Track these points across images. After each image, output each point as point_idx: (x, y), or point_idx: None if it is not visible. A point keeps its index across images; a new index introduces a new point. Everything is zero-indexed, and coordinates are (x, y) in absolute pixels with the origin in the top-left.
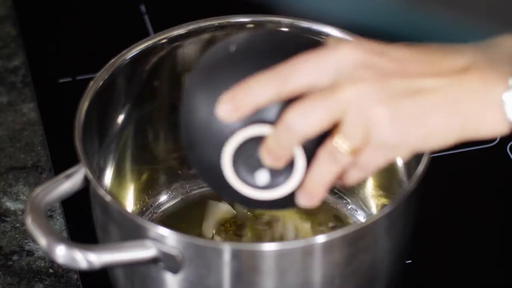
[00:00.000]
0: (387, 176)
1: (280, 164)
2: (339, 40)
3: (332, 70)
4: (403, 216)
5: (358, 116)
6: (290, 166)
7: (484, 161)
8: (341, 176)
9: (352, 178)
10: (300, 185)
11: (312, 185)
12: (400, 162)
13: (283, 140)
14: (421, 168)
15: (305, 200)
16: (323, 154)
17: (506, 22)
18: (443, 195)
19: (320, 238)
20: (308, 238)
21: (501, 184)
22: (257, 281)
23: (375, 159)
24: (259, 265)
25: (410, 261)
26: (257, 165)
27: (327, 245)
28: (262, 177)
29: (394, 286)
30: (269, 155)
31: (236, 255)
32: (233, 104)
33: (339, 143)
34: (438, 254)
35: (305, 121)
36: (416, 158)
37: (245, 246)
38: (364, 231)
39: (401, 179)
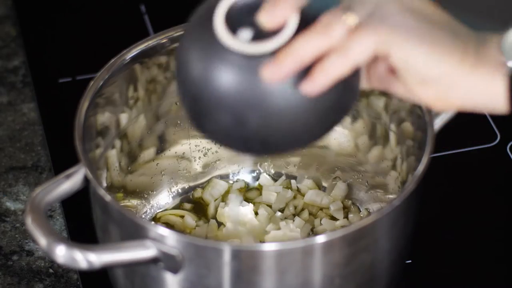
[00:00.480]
0: (386, 176)
1: (272, 22)
2: None
3: None
4: (403, 216)
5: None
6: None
7: (484, 161)
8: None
9: (330, 65)
10: (284, 50)
11: (294, 49)
12: (399, 160)
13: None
14: (421, 168)
15: (278, 65)
16: (320, 23)
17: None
18: (443, 195)
19: (320, 238)
20: (308, 238)
21: (501, 184)
22: (257, 281)
23: (364, 44)
24: (259, 265)
25: (410, 261)
26: (247, 22)
27: (327, 245)
28: (247, 33)
29: (394, 286)
30: (265, 11)
31: (236, 255)
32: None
33: (346, 15)
34: (438, 254)
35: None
36: (416, 158)
37: (245, 246)
38: (364, 231)
39: (401, 179)
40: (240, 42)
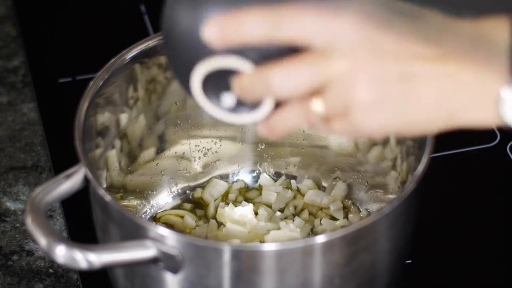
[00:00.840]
0: (386, 176)
1: (248, 99)
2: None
3: (331, 32)
4: (403, 216)
5: (341, 92)
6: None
7: (484, 161)
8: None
9: (318, 130)
10: (265, 118)
11: (275, 124)
12: (399, 160)
13: (258, 88)
14: (421, 168)
15: (264, 132)
16: (297, 106)
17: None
18: (443, 195)
19: (320, 238)
20: (308, 238)
21: (501, 184)
22: (257, 281)
23: (344, 131)
24: (259, 265)
25: (410, 261)
26: (226, 88)
27: (327, 245)
28: (229, 100)
29: (394, 286)
30: (240, 90)
31: (236, 255)
32: (220, 31)
33: (316, 107)
34: (438, 254)
35: (285, 81)
36: (416, 158)
37: (245, 246)
38: (364, 231)
39: (401, 179)
40: (220, 110)
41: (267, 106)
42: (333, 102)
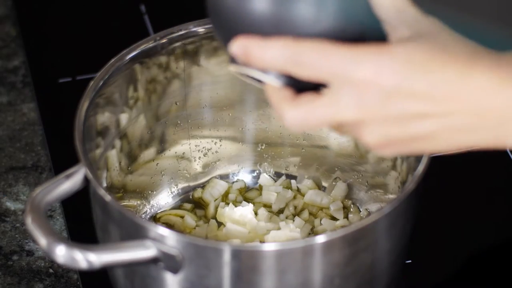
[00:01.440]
0: (386, 176)
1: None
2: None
3: (347, 84)
4: (403, 216)
5: (350, 132)
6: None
7: (484, 161)
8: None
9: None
10: None
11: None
12: (399, 160)
13: (276, 111)
14: (421, 168)
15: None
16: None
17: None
18: (443, 195)
19: (320, 238)
20: (308, 238)
21: (501, 184)
22: (257, 281)
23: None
24: (259, 265)
25: (410, 261)
26: None
27: (327, 245)
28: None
29: (394, 286)
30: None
31: (236, 255)
32: (242, 52)
33: (331, 125)
34: (438, 254)
35: (297, 121)
36: (416, 158)
37: (245, 246)
38: (364, 231)
39: (401, 179)
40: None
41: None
42: (345, 133)
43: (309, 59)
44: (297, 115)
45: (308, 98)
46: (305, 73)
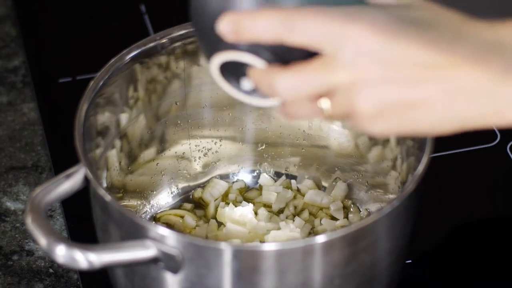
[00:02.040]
0: (386, 176)
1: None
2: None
3: (339, 40)
4: (403, 216)
5: (345, 100)
6: None
7: (484, 161)
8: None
9: (321, 116)
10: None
11: (289, 111)
12: (399, 160)
13: (264, 87)
14: (421, 168)
15: (281, 115)
16: (306, 102)
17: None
18: (443, 195)
19: (320, 238)
20: (308, 238)
21: (501, 184)
22: (257, 281)
23: (350, 126)
24: (259, 265)
25: (410, 261)
26: (243, 74)
27: (327, 245)
28: (246, 84)
29: (394, 286)
30: (254, 82)
31: (236, 255)
32: (234, 27)
33: (323, 105)
34: (438, 254)
35: (289, 87)
36: (416, 158)
37: (245, 246)
38: (364, 231)
39: (401, 179)
40: (238, 92)
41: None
42: (338, 106)
43: (302, 22)
44: (289, 83)
45: (299, 65)
46: (299, 38)
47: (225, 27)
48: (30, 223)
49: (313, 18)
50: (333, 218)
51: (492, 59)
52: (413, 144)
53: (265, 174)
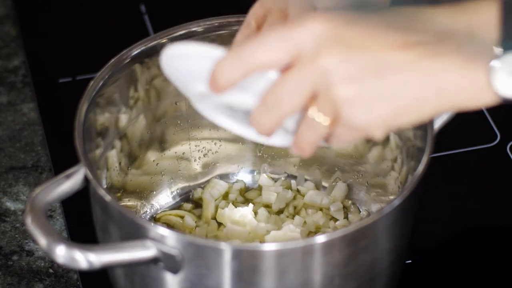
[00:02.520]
0: (386, 176)
1: (262, 132)
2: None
3: (294, 47)
4: (403, 216)
5: (326, 93)
6: None
7: (484, 161)
8: (325, 139)
9: (333, 143)
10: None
11: (299, 143)
12: (399, 160)
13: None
14: (421, 168)
15: (296, 152)
16: (303, 123)
17: None
18: (443, 195)
19: (320, 238)
20: (308, 238)
21: (501, 184)
22: (257, 281)
23: (348, 135)
24: (259, 265)
25: (410, 261)
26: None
27: (327, 245)
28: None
29: (394, 286)
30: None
31: (236, 255)
32: (214, 84)
33: (313, 116)
34: (438, 254)
35: (287, 94)
36: (416, 158)
37: (245, 246)
38: (364, 231)
39: (401, 179)
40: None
41: (281, 135)
42: (324, 106)
43: (252, 48)
44: (284, 89)
45: (281, 77)
46: (257, 63)
47: (209, 86)
48: (30, 223)
49: (260, 40)
50: (333, 219)
51: (454, 35)
52: (413, 144)
53: (265, 174)
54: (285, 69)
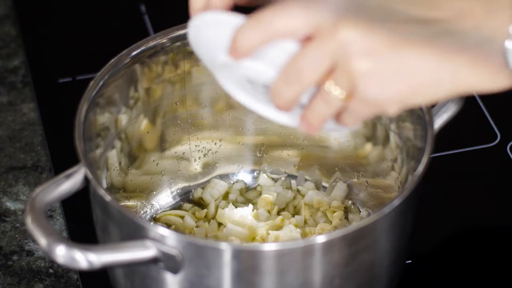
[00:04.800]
0: (386, 176)
1: (281, 106)
2: None
3: (315, 17)
4: (403, 216)
5: (344, 66)
6: None
7: (484, 161)
8: (337, 117)
9: (345, 121)
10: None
11: (310, 117)
12: (399, 160)
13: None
14: (421, 168)
15: (304, 128)
16: (318, 95)
17: None
18: (443, 195)
19: (320, 238)
20: (308, 238)
21: (501, 184)
22: (257, 281)
23: (363, 110)
24: (259, 265)
25: (410, 261)
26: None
27: (327, 245)
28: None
29: (394, 286)
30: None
31: (236, 255)
32: (234, 51)
33: (330, 89)
34: (438, 254)
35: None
36: (416, 158)
37: (245, 246)
38: (364, 231)
39: (401, 179)
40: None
41: (297, 111)
42: (341, 78)
43: (272, 17)
44: (304, 61)
45: (300, 51)
46: (278, 30)
47: (230, 53)
48: (30, 223)
49: (281, 9)
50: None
51: (475, 10)
52: (413, 144)
53: (265, 174)
54: (305, 41)
